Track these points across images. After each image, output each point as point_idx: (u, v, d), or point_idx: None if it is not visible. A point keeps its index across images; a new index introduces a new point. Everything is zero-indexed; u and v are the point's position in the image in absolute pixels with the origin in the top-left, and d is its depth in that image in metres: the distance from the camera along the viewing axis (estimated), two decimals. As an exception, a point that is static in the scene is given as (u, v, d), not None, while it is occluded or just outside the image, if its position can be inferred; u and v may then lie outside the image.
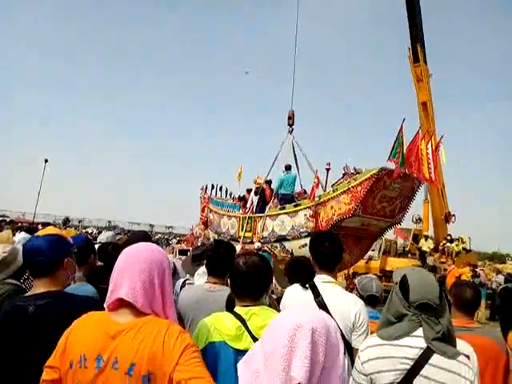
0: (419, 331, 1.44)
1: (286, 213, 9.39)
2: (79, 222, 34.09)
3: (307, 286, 2.08)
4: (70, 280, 1.85)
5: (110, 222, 40.20)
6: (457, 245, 15.06)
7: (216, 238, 11.59)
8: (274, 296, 3.26)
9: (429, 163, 7.80)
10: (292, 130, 11.13)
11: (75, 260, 1.77)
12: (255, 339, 1.44)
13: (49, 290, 1.59)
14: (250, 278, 1.61)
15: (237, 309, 1.61)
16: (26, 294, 1.64)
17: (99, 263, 3.18)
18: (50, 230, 1.74)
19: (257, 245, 9.05)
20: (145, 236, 2.88)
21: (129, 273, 1.28)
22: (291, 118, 11.13)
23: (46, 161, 29.54)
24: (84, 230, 20.19)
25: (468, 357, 1.45)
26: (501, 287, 11.58)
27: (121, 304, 1.28)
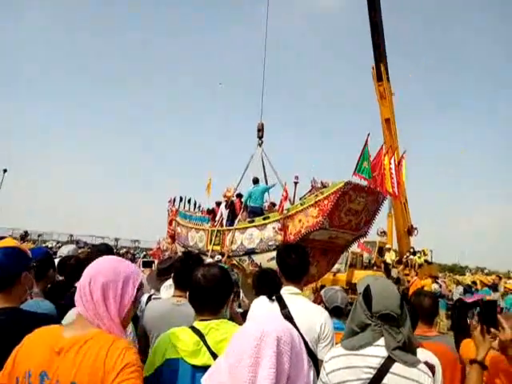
0: (381, 341, 1.47)
1: (254, 226, 9.40)
2: (38, 236, 32.52)
3: (273, 297, 2.09)
4: (26, 295, 1.76)
5: (71, 235, 38.55)
6: (419, 257, 15.57)
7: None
8: (241, 310, 3.24)
9: (392, 178, 8.11)
10: (261, 142, 11.24)
11: (33, 274, 1.69)
12: (214, 354, 1.42)
13: (3, 307, 1.50)
14: (208, 291, 1.58)
15: (195, 323, 1.57)
16: None
17: (59, 278, 3.04)
18: (8, 241, 1.65)
19: (217, 257, 8.98)
20: (106, 249, 2.79)
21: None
22: (260, 130, 11.23)
23: (5, 171, 28.17)
24: (44, 245, 19.24)
25: (433, 367, 1.50)
26: (456, 298, 12.06)
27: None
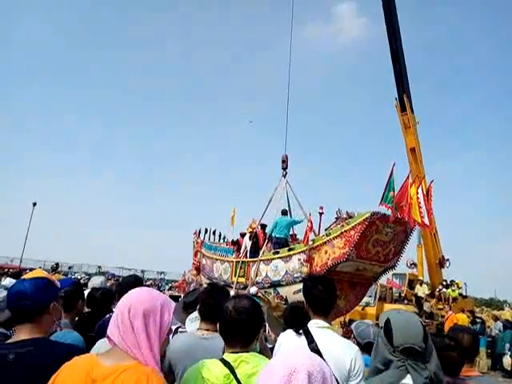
0: (408, 378, 1.39)
1: (279, 257, 9.28)
2: (69, 267, 33.27)
3: (301, 331, 2.03)
4: (55, 326, 1.78)
5: (100, 267, 39.28)
6: (453, 290, 14.87)
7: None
8: (269, 345, 3.15)
9: (420, 207, 7.90)
10: (286, 173, 11.28)
11: (61, 304, 1.72)
12: None
13: (32, 337, 1.52)
14: (239, 323, 1.56)
15: (225, 355, 1.55)
16: (8, 341, 1.57)
17: (86, 310, 3.07)
18: (37, 273, 1.69)
19: (253, 289, 8.77)
20: (136, 280, 2.81)
21: (116, 308, 1.31)
22: (285, 161, 11.30)
23: (35, 204, 29.24)
24: (73, 277, 19.67)
25: None
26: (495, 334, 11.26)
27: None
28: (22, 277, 1.67)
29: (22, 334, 1.54)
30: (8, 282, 3.90)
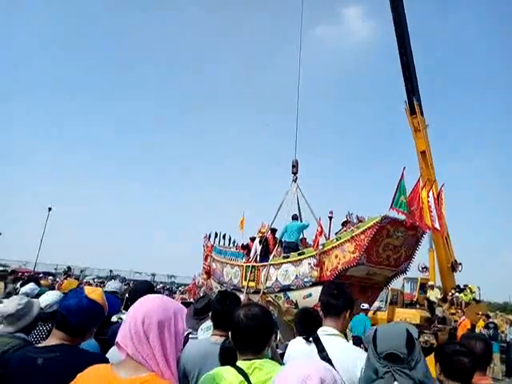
0: None
1: (289, 261, 9.29)
2: (81, 271, 33.69)
3: (310, 339, 2.06)
4: None
5: (111, 271, 39.71)
6: (466, 294, 14.66)
7: (219, 287, 11.38)
8: (280, 350, 3.18)
9: (431, 211, 7.85)
10: (296, 178, 11.26)
11: (97, 327, 1.78)
12: None
13: (61, 343, 1.61)
14: (251, 330, 1.60)
15: (239, 362, 1.59)
16: (40, 345, 1.66)
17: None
18: (97, 294, 1.74)
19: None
20: (149, 287, 2.86)
21: (127, 318, 1.27)
22: (295, 166, 11.26)
23: (50, 209, 29.78)
24: (85, 280, 19.93)
25: None
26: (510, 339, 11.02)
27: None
28: (86, 289, 1.73)
29: (54, 338, 1.62)
30: (30, 287, 3.96)
